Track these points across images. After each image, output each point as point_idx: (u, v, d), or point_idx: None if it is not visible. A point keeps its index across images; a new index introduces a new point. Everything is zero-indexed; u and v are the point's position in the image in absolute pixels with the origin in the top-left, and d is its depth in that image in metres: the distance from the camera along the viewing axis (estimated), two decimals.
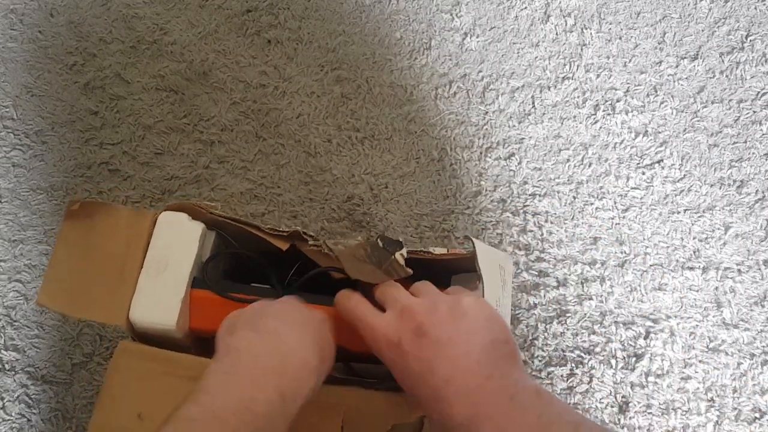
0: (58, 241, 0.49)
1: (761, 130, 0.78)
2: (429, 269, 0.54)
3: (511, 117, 0.78)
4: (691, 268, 0.72)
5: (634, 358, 0.67)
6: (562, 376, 0.66)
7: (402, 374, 0.40)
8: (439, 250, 0.53)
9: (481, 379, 0.37)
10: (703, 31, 0.84)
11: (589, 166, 0.76)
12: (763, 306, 0.70)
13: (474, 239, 0.49)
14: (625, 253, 0.72)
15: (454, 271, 0.55)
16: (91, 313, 0.48)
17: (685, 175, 0.76)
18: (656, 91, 0.80)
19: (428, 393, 0.38)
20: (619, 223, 0.73)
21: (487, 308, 0.41)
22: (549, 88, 0.80)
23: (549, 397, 0.37)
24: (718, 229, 0.73)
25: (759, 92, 0.80)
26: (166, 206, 0.51)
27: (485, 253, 0.48)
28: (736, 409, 0.66)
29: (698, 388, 0.67)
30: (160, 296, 0.47)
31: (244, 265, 0.53)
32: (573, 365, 0.66)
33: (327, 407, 0.45)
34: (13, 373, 0.65)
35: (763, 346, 0.69)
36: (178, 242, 0.49)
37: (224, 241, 0.54)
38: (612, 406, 0.65)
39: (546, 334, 0.68)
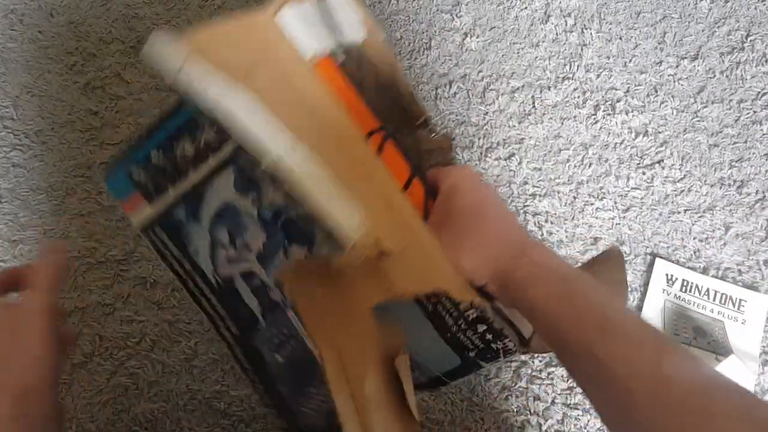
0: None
1: (761, 130, 0.78)
2: None
3: (511, 117, 0.78)
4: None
5: None
6: (562, 376, 0.66)
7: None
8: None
9: None
10: (703, 31, 0.84)
11: (590, 166, 0.76)
12: None
13: None
14: (625, 253, 0.71)
15: None
16: None
17: (685, 175, 0.76)
18: (656, 91, 0.80)
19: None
20: (619, 224, 0.73)
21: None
22: (549, 88, 0.80)
23: None
24: (719, 229, 0.73)
25: (759, 92, 0.80)
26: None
27: None
28: None
29: None
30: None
31: None
32: None
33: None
34: None
35: (763, 347, 0.69)
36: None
37: None
38: None
39: None
